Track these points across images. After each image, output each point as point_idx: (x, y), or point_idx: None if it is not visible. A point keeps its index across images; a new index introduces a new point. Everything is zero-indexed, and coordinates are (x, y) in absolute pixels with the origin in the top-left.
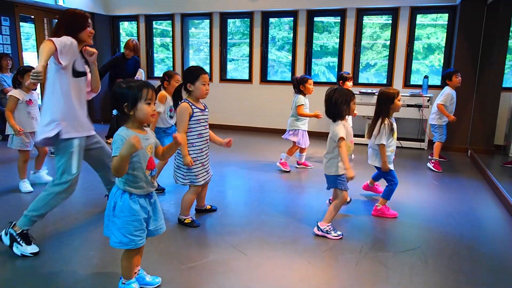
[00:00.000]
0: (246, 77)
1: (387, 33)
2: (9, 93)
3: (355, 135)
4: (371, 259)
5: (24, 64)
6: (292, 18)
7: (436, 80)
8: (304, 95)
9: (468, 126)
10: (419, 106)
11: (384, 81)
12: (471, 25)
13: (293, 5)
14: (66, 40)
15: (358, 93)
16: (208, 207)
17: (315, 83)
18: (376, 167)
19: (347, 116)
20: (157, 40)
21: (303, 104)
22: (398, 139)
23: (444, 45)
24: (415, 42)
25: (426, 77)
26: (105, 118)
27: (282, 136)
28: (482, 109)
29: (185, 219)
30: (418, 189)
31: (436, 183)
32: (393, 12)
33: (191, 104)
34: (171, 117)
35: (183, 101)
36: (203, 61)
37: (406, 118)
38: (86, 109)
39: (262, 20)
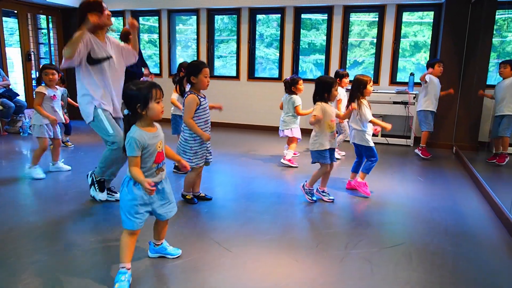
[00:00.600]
0: (234, 74)
1: (375, 31)
2: (36, 89)
3: None
4: (357, 255)
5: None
6: (280, 15)
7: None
8: (296, 94)
9: (453, 123)
10: (405, 103)
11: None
12: (456, 23)
13: (280, 1)
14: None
15: (345, 90)
16: (202, 194)
17: (303, 80)
18: (358, 146)
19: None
20: (144, 37)
21: (300, 104)
22: (384, 136)
23: (430, 42)
24: (402, 39)
25: (412, 74)
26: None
27: (280, 135)
28: (466, 106)
29: (186, 195)
30: (403, 185)
31: (421, 179)
32: (380, 10)
33: (197, 95)
34: None
35: (189, 92)
36: (191, 57)
37: (392, 115)
38: (118, 90)
39: (250, 16)
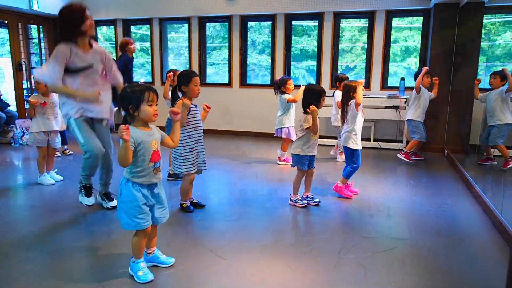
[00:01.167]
0: (226, 81)
1: (366, 36)
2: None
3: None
4: (350, 260)
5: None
6: (271, 22)
7: (413, 82)
8: (287, 94)
9: (444, 127)
10: (396, 108)
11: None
12: (445, 28)
13: (271, 8)
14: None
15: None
16: (195, 201)
17: (296, 86)
18: (346, 149)
19: None
20: (136, 45)
21: (290, 96)
22: (376, 140)
23: (419, 47)
24: (392, 45)
25: (402, 79)
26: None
27: (275, 135)
28: (457, 110)
29: (183, 204)
30: (395, 189)
31: (413, 183)
32: (370, 16)
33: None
34: None
35: (179, 99)
36: (183, 65)
37: (384, 120)
38: (103, 94)
39: (241, 24)
